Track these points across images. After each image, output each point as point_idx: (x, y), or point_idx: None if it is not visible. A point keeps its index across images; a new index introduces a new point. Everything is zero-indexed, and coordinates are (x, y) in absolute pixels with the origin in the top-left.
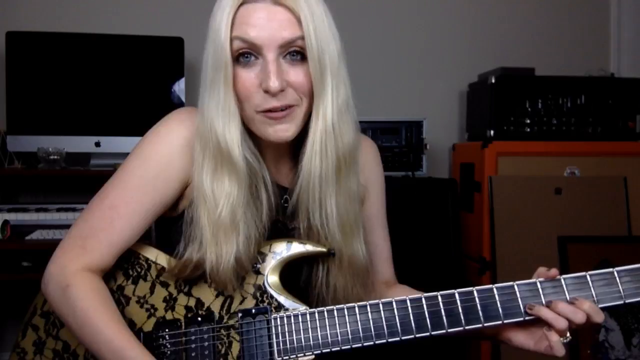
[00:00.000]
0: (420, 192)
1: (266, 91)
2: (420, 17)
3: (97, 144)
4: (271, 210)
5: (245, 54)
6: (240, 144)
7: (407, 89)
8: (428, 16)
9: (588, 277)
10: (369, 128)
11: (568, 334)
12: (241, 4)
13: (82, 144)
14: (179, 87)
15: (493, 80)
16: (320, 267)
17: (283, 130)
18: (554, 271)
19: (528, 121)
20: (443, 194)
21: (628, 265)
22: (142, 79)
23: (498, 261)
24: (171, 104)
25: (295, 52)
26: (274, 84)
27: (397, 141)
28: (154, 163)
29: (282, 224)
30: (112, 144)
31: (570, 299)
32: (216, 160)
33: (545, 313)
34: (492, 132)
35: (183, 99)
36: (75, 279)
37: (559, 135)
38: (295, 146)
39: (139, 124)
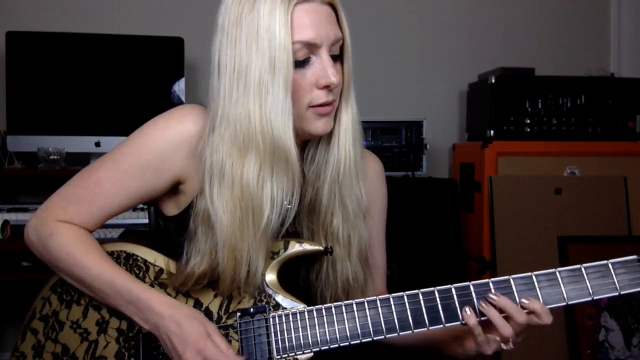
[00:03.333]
0: (420, 192)
1: (325, 86)
2: (420, 17)
3: (97, 144)
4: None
5: (304, 58)
6: (295, 144)
7: (407, 89)
8: (428, 16)
9: (583, 269)
10: (369, 128)
11: (510, 343)
12: (295, 6)
13: (82, 144)
14: (179, 87)
15: (493, 80)
16: (325, 259)
17: (328, 124)
18: None
19: (528, 121)
20: (443, 194)
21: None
22: (142, 79)
23: (498, 261)
24: (171, 104)
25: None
26: (335, 78)
27: (397, 141)
28: (146, 153)
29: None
30: (112, 144)
31: (520, 302)
32: (266, 163)
33: (493, 314)
34: (492, 132)
35: (183, 99)
36: (57, 227)
37: (559, 135)
38: (303, 146)
39: (139, 124)
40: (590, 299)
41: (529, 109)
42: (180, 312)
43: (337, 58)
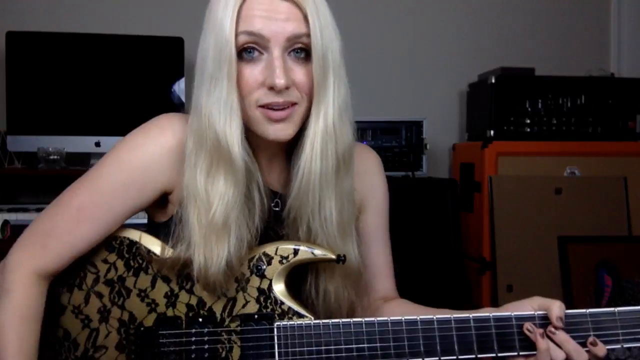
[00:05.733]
0: (420, 192)
1: (271, 88)
2: (420, 17)
3: (97, 144)
4: (263, 213)
5: (249, 49)
6: (240, 142)
7: (407, 89)
8: (428, 16)
9: (617, 313)
10: (369, 128)
11: None
12: None
13: (82, 144)
14: (179, 87)
15: (493, 80)
16: (309, 272)
17: (282, 130)
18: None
19: (528, 121)
20: (443, 194)
21: (630, 267)
22: (142, 79)
23: (498, 261)
24: (171, 104)
25: (300, 50)
26: (280, 80)
27: (397, 141)
28: (128, 170)
29: (272, 230)
30: (112, 144)
31: (589, 342)
32: (212, 159)
33: (541, 343)
34: (492, 132)
35: (183, 99)
36: (18, 289)
37: (559, 135)
38: (289, 146)
39: (139, 124)
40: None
41: (529, 109)
42: None
43: (305, 58)
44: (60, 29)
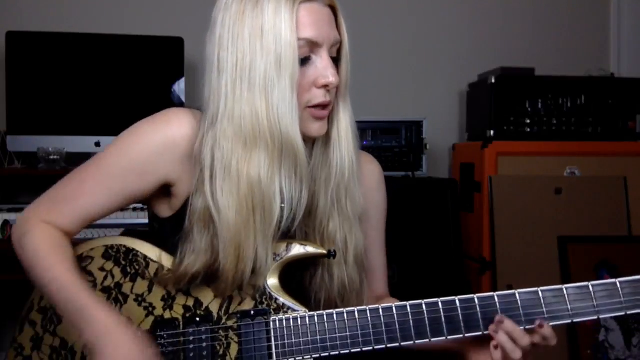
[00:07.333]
0: (420, 192)
1: (324, 86)
2: (420, 17)
3: (97, 144)
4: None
5: (305, 57)
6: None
7: (407, 89)
8: (428, 16)
9: (590, 287)
10: (369, 128)
11: None
12: (299, 5)
13: (82, 144)
14: (179, 87)
15: (493, 80)
16: (320, 264)
17: (323, 127)
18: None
19: (528, 121)
20: (443, 194)
21: (630, 267)
22: (142, 79)
23: (498, 261)
24: (171, 104)
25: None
26: (334, 79)
27: (397, 141)
28: (129, 158)
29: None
30: None
31: (535, 327)
32: (279, 158)
33: (502, 337)
34: (492, 132)
35: (183, 99)
36: (34, 227)
37: (559, 135)
38: None
39: None
40: (596, 317)
41: (529, 109)
42: (121, 333)
43: (335, 61)
44: (60, 29)
